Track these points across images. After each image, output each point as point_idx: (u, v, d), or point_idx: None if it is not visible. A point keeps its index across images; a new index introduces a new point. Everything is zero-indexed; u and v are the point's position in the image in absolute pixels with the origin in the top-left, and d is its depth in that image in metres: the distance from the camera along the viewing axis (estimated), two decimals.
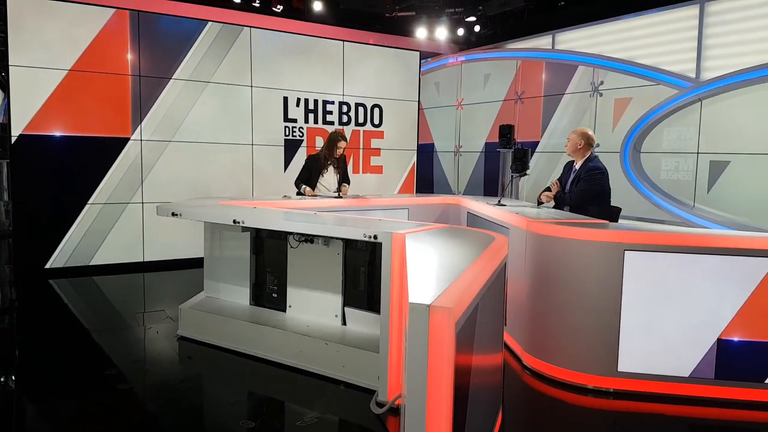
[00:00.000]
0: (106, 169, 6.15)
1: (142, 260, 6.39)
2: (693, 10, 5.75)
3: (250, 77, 6.93)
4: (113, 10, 6.05)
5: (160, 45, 6.36)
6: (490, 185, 8.17)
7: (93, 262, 6.14)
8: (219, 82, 6.72)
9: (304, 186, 5.54)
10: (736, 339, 3.18)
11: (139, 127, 6.28)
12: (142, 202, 6.36)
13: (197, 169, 6.66)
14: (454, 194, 8.15)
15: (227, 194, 6.69)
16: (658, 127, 6.14)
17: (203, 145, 6.68)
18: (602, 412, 3.20)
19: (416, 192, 8.46)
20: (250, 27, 6.89)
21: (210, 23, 6.62)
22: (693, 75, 5.78)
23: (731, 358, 3.19)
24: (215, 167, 6.77)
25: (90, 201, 6.09)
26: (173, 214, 3.94)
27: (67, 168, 5.94)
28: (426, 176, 9.17)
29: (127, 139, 6.23)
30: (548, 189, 4.69)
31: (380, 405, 3.02)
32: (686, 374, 3.25)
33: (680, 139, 5.93)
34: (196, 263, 5.20)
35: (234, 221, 3.64)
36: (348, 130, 7.76)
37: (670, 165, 6.04)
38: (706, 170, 5.70)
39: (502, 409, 3.02)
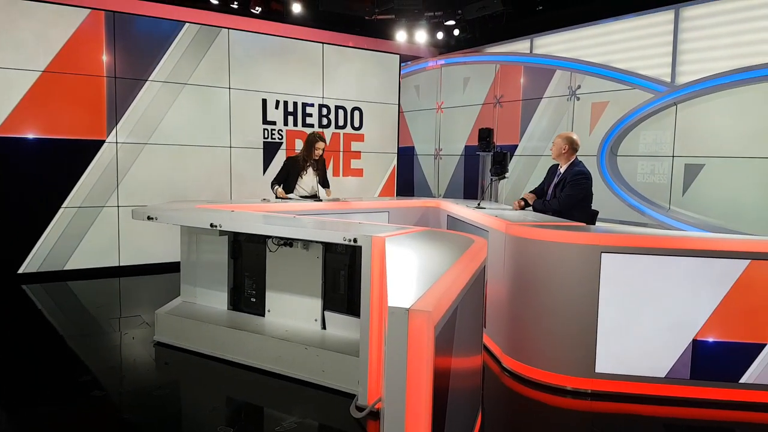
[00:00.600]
0: (80, 172, 6.04)
1: (117, 265, 6.29)
2: (668, 16, 5.85)
3: (228, 79, 6.87)
4: (88, 10, 5.96)
5: (137, 46, 6.27)
6: (470, 188, 8.21)
7: (67, 267, 6.03)
8: (196, 83, 6.65)
9: (276, 187, 5.49)
10: (711, 340, 3.23)
11: (115, 129, 6.18)
12: (118, 206, 6.26)
13: (174, 172, 6.58)
14: (434, 197, 8.17)
15: (205, 197, 6.62)
16: (634, 131, 6.23)
17: (180, 147, 6.60)
18: (580, 413, 3.22)
19: (397, 195, 8.47)
20: (228, 29, 6.83)
21: (187, 24, 6.55)
22: (668, 79, 5.88)
23: (706, 359, 3.24)
24: (192, 170, 6.70)
25: (64, 204, 5.98)
26: (149, 218, 3.88)
27: (41, 171, 5.82)
28: (406, 179, 9.19)
29: (102, 142, 6.13)
30: (525, 200, 4.75)
31: (360, 409, 3.00)
32: (662, 375, 3.29)
33: (656, 143, 6.02)
34: (173, 267, 5.13)
35: (211, 225, 3.59)
36: (328, 133, 7.74)
37: (646, 168, 6.14)
38: (682, 173, 5.80)
39: (482, 411, 3.03)
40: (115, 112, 6.18)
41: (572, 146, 4.52)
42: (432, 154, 9.01)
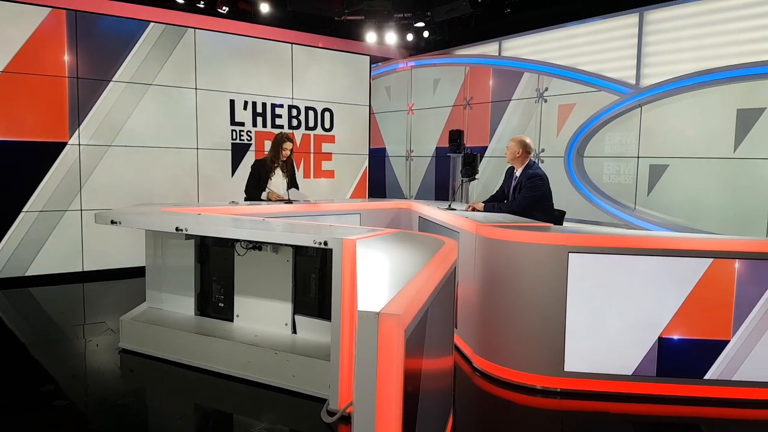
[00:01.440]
0: (41, 176, 5.87)
1: (81, 270, 6.12)
2: (633, 19, 5.97)
3: (194, 79, 6.76)
4: (49, 9, 5.79)
5: (99, 46, 6.12)
6: (441, 189, 8.25)
7: (29, 273, 5.85)
8: (162, 84, 6.53)
9: (265, 192, 5.41)
10: (676, 337, 3.30)
11: (77, 131, 6.02)
12: (81, 210, 6.09)
13: (139, 175, 6.44)
14: (406, 199, 8.18)
15: (171, 200, 6.50)
16: (600, 132, 6.34)
17: (145, 149, 6.46)
18: (550, 411, 3.25)
19: (368, 196, 8.46)
20: (195, 28, 6.72)
21: (152, 24, 6.43)
22: (633, 81, 6.00)
23: (671, 356, 3.31)
24: (158, 172, 6.56)
25: (25, 209, 5.80)
26: (112, 222, 3.78)
27: (0, 174, 5.63)
28: (378, 181, 9.18)
29: (64, 144, 5.97)
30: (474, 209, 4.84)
31: (331, 414, 2.98)
32: (629, 372, 3.35)
33: (621, 144, 6.14)
34: (138, 272, 5.00)
35: (177, 229, 3.52)
36: (298, 134, 7.69)
37: (611, 169, 6.25)
38: (646, 174, 5.93)
39: (453, 412, 3.03)
40: (78, 113, 6.02)
41: (526, 149, 4.68)
42: (403, 156, 9.03)
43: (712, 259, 3.24)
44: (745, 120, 5.14)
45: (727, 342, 3.27)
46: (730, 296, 3.24)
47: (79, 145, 6.05)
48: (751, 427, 3.17)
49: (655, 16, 5.80)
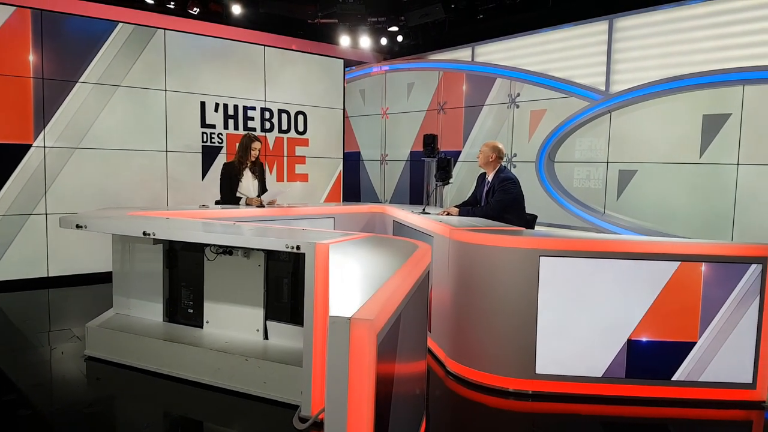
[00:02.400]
0: (5, 179, 5.69)
1: (46, 275, 5.96)
2: (602, 26, 6.08)
3: (164, 81, 6.65)
4: (13, 8, 5.64)
5: (66, 46, 5.98)
6: (416, 193, 8.26)
7: None
8: (131, 86, 6.40)
9: (243, 197, 5.33)
10: (644, 339, 3.35)
11: (42, 133, 5.86)
12: (46, 213, 5.93)
13: (106, 178, 6.29)
14: (380, 202, 8.18)
15: (139, 204, 6.36)
16: (570, 138, 6.43)
17: (113, 152, 6.33)
18: (522, 414, 3.27)
19: (343, 200, 8.43)
20: (165, 29, 6.61)
21: (121, 24, 6.30)
22: (603, 88, 6.10)
23: (640, 358, 3.36)
24: (126, 176, 6.42)
25: None
26: (78, 226, 3.68)
27: None
28: (353, 184, 9.16)
29: (28, 146, 5.80)
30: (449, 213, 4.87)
31: (303, 420, 2.94)
32: (599, 374, 3.39)
33: (591, 149, 6.24)
34: (105, 278, 4.89)
35: (144, 233, 3.44)
36: (271, 137, 7.62)
37: (582, 174, 6.35)
38: (616, 179, 6.03)
39: (426, 415, 3.02)
40: (43, 114, 5.86)
41: (498, 154, 4.75)
42: (378, 160, 9.03)
43: (679, 263, 3.30)
44: (711, 126, 5.27)
45: (694, 344, 3.33)
46: (696, 299, 3.31)
47: (44, 147, 5.90)
48: (718, 427, 3.23)
49: (625, 23, 5.91)
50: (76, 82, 6.05)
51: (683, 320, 3.33)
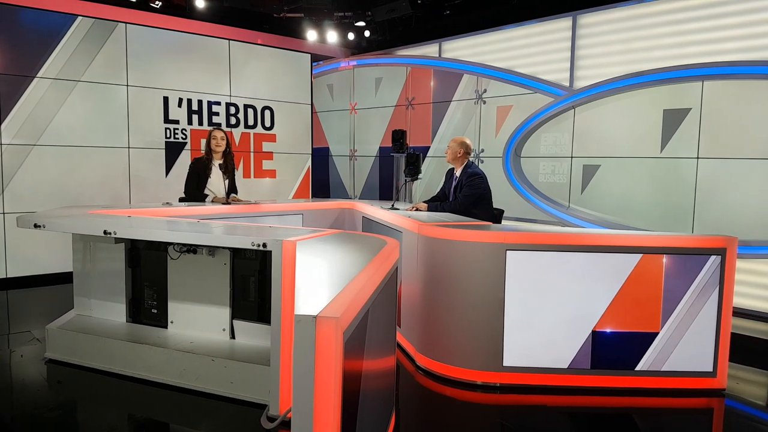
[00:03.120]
0: None
1: (4, 276, 5.77)
2: (566, 23, 6.16)
3: (126, 76, 6.48)
4: None
5: (22, 40, 5.77)
6: (385, 189, 8.26)
7: None
8: (90, 81, 6.23)
9: (209, 196, 5.22)
10: (608, 330, 3.42)
11: None
12: (3, 213, 5.73)
13: (66, 176, 6.11)
14: (350, 198, 8.15)
15: (100, 202, 6.21)
16: (536, 133, 6.51)
17: (73, 148, 6.15)
18: (489, 406, 3.30)
19: (312, 197, 8.37)
20: (126, 23, 6.45)
21: (80, 18, 6.12)
22: (567, 84, 6.19)
23: (605, 349, 3.43)
24: (87, 173, 6.25)
25: None
26: (36, 226, 3.56)
27: None
28: (322, 180, 9.10)
29: None
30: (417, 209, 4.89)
31: (271, 419, 2.92)
32: (565, 366, 3.44)
33: (556, 145, 6.33)
34: (65, 278, 4.77)
35: (105, 232, 3.35)
36: (237, 133, 7.51)
37: (547, 169, 6.44)
38: (580, 173, 6.13)
39: (396, 410, 3.03)
40: None
41: (466, 150, 4.83)
42: (347, 155, 8.99)
43: (641, 255, 3.37)
44: (671, 120, 5.40)
45: (656, 334, 3.41)
46: (658, 290, 3.39)
47: (1, 144, 5.69)
48: (680, 415, 3.32)
49: (587, 20, 6.00)
50: (34, 77, 5.85)
51: (646, 311, 3.40)
